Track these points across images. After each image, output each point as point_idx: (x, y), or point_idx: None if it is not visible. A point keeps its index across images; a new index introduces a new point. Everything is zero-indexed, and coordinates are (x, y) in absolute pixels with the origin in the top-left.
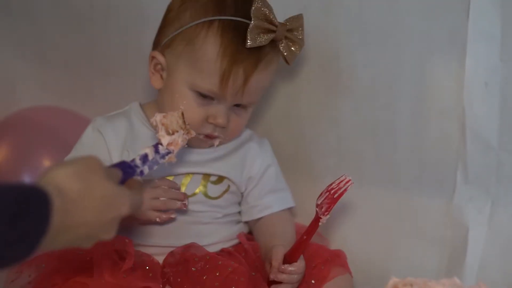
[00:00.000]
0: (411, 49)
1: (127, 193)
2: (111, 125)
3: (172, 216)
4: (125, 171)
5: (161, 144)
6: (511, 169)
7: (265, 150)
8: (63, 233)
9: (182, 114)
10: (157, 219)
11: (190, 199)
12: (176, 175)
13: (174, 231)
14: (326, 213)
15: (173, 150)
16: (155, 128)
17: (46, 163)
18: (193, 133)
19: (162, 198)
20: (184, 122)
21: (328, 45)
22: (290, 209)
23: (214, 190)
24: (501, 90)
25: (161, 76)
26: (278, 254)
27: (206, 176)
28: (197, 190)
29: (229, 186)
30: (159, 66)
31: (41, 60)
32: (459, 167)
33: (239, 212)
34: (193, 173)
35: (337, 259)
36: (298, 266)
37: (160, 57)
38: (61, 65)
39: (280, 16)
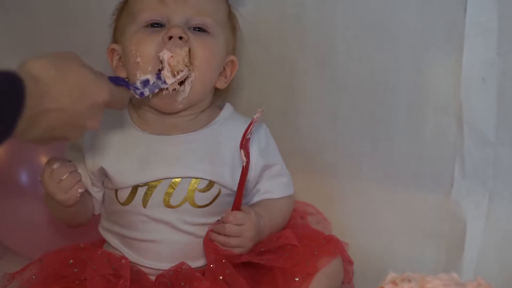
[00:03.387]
0: (408, 43)
1: (105, 81)
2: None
3: (80, 190)
4: (117, 82)
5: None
6: (509, 163)
7: (260, 142)
8: (40, 118)
9: (189, 51)
10: (79, 191)
11: (177, 209)
12: (164, 179)
13: (168, 252)
14: (240, 148)
15: (177, 80)
16: (160, 63)
17: (43, 159)
18: (198, 64)
19: (64, 177)
20: (189, 60)
21: (324, 40)
22: (291, 197)
23: (202, 197)
24: (498, 84)
25: (123, 64)
26: (226, 209)
27: (194, 182)
28: (182, 201)
29: (220, 190)
30: (118, 56)
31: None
32: (457, 162)
33: None
34: (179, 177)
35: (325, 248)
36: (228, 214)
37: (115, 45)
38: None
39: (277, 11)
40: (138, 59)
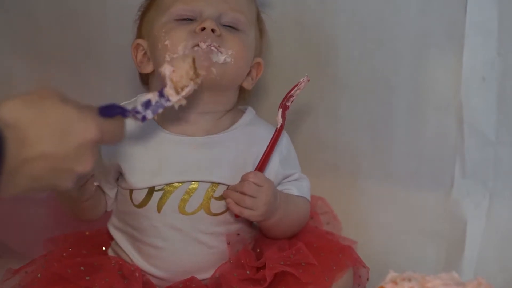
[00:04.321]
0: (408, 43)
1: (93, 116)
2: None
3: (95, 183)
4: (111, 112)
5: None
6: (509, 163)
7: (282, 151)
8: (23, 167)
9: (194, 60)
10: (94, 184)
11: (192, 216)
12: (181, 182)
13: (177, 261)
14: (279, 108)
15: (182, 97)
16: (162, 79)
17: None
18: (203, 74)
19: None
20: (195, 71)
21: (325, 40)
22: (307, 202)
23: (218, 206)
24: (499, 84)
25: (149, 58)
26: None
27: (211, 189)
28: (197, 208)
29: None
30: (143, 51)
31: (37, 56)
32: (457, 161)
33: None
34: (197, 181)
35: (341, 262)
36: (251, 172)
37: (140, 40)
38: (57, 61)
39: (277, 11)
40: (167, 42)
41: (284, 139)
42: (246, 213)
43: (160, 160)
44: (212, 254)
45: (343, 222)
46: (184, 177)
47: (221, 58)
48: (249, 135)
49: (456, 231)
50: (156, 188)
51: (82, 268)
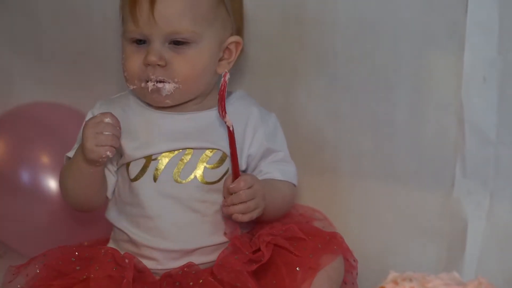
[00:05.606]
0: (409, 42)
1: None
2: (106, 110)
3: (108, 153)
4: None
5: None
6: (509, 162)
7: (268, 126)
8: None
9: None
10: (108, 153)
11: (186, 184)
12: (176, 150)
13: (174, 230)
14: (224, 113)
15: None
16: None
17: (44, 159)
18: None
19: (106, 133)
20: None
21: (325, 38)
22: (293, 186)
23: (211, 174)
24: (499, 83)
25: None
26: (226, 181)
27: (205, 157)
28: (191, 176)
29: (228, 168)
30: None
31: (38, 56)
32: (458, 161)
33: None
34: (192, 148)
35: (329, 245)
36: (238, 181)
37: None
38: (58, 61)
39: (278, 10)
40: (125, 74)
41: (272, 118)
42: (255, 215)
43: (154, 132)
44: (206, 222)
45: (343, 222)
46: (178, 145)
47: (169, 88)
48: (237, 108)
49: (456, 231)
50: (153, 157)
51: (73, 259)
